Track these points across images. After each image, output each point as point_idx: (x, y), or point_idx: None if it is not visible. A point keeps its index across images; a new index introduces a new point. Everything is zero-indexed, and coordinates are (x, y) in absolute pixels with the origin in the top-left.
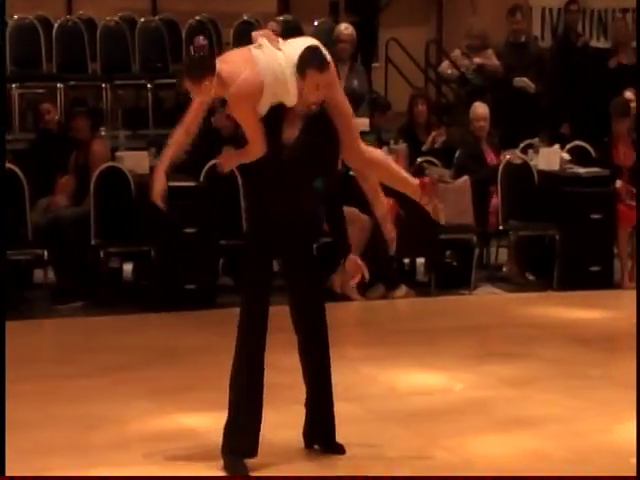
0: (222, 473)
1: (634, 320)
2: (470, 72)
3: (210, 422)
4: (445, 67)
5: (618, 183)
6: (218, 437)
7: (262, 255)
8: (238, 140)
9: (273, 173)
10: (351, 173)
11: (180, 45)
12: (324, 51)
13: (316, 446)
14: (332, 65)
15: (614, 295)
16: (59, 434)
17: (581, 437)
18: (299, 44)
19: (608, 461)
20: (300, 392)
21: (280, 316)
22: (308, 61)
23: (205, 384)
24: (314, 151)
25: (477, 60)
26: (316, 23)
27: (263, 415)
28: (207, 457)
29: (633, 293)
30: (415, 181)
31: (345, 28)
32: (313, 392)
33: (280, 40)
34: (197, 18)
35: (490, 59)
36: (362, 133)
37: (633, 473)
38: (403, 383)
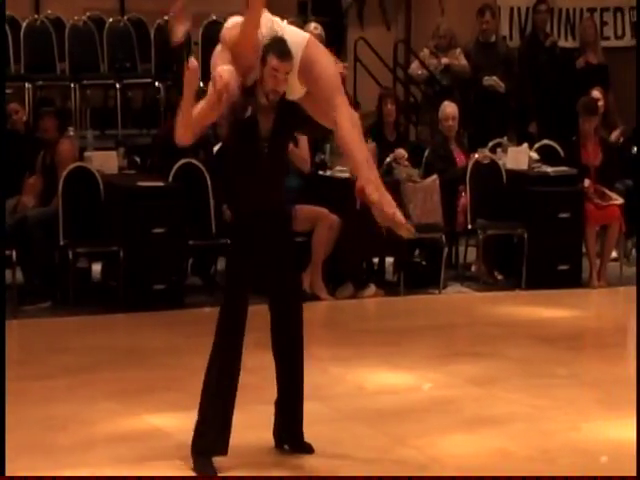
0: (191, 473)
1: (601, 319)
2: (439, 72)
3: (177, 422)
4: (415, 68)
5: (586, 182)
6: (185, 436)
7: (245, 252)
8: (204, 139)
9: (252, 166)
10: (320, 173)
11: (148, 45)
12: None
13: (286, 446)
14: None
15: (582, 294)
16: (24, 436)
17: (547, 436)
18: (292, 31)
19: (575, 460)
20: (266, 392)
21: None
22: (270, 47)
23: (172, 385)
24: (287, 142)
25: (445, 60)
26: (285, 22)
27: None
28: (175, 457)
29: (601, 292)
30: (364, 175)
31: (314, 28)
32: (285, 392)
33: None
34: (165, 18)
35: (458, 59)
36: (330, 134)
37: (602, 473)
38: (371, 382)
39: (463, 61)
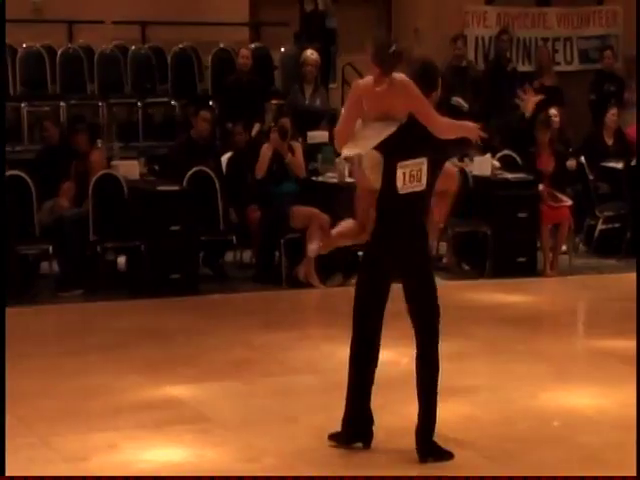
0: (203, 435)
1: (554, 303)
2: None
3: (192, 392)
4: None
5: (540, 186)
6: (200, 404)
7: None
8: (214, 150)
9: None
10: (313, 178)
11: (166, 69)
12: None
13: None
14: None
15: (537, 282)
16: (60, 403)
17: (508, 403)
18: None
19: (532, 424)
20: (269, 366)
21: (251, 301)
22: None
23: (188, 360)
24: None
25: None
26: (283, 50)
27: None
28: (189, 422)
29: (553, 280)
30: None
31: (311, 54)
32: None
33: None
34: (180, 46)
35: None
36: (322, 145)
37: (554, 434)
38: None
39: None
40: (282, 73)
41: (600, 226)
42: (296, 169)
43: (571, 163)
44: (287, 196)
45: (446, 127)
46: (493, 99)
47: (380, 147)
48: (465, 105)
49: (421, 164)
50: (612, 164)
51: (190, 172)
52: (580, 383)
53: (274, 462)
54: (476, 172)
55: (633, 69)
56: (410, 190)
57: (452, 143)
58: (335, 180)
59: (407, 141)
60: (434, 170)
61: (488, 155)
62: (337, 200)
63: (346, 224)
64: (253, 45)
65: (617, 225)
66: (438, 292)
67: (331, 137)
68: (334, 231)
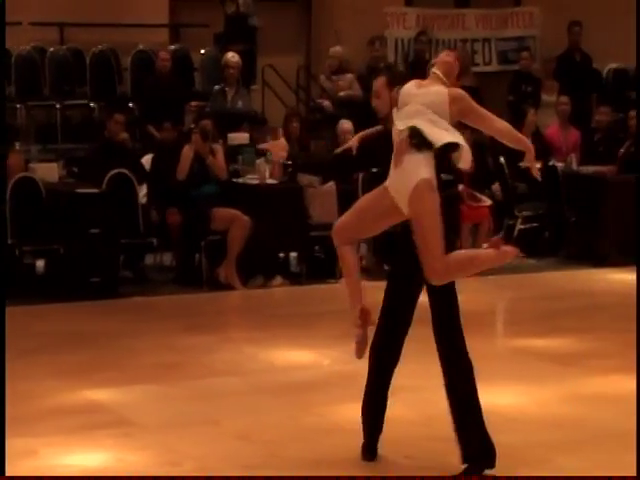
0: (124, 439)
1: (476, 302)
2: (337, 98)
3: (114, 396)
4: (317, 95)
5: (460, 187)
6: (121, 408)
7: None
8: (132, 152)
9: None
10: (234, 180)
11: (85, 71)
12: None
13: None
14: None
15: (459, 281)
16: None
17: (431, 404)
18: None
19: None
20: (192, 368)
21: (173, 303)
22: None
23: (110, 364)
24: None
25: (342, 94)
26: (203, 51)
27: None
28: (112, 426)
29: (474, 280)
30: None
31: (232, 56)
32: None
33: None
34: (99, 47)
35: (351, 85)
36: (243, 146)
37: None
38: (280, 360)
39: (357, 90)
40: (202, 75)
41: (519, 226)
42: (217, 171)
43: (496, 188)
44: (208, 198)
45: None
46: None
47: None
48: None
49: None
50: None
51: (109, 174)
52: (501, 382)
53: (196, 465)
54: None
55: (550, 70)
56: None
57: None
58: (256, 181)
59: None
60: None
61: None
62: (258, 201)
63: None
64: (173, 47)
65: (535, 225)
66: None
67: (252, 138)
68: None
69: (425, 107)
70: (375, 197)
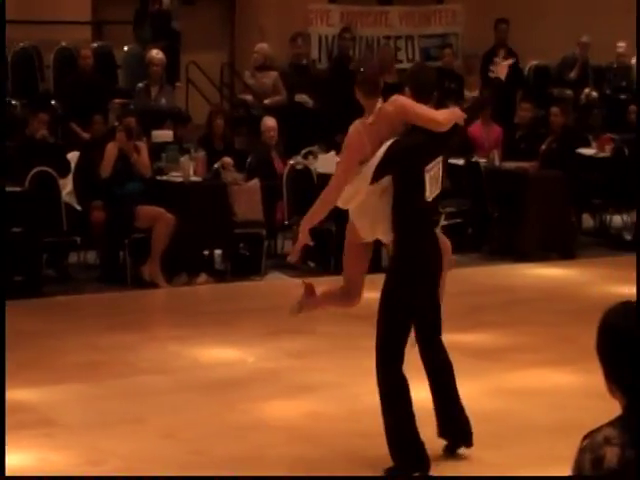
0: (47, 439)
1: None
2: (262, 106)
3: (38, 396)
4: (240, 91)
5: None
6: (45, 408)
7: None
8: (51, 147)
9: None
10: (158, 178)
11: (6, 68)
12: None
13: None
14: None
15: (382, 278)
16: None
17: (354, 399)
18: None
19: (377, 419)
20: (117, 367)
21: (97, 302)
22: None
23: (33, 363)
24: None
25: (267, 101)
26: (126, 48)
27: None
28: (35, 426)
29: None
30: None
31: (156, 53)
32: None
33: None
34: (21, 45)
35: (275, 83)
36: (166, 144)
37: None
38: (205, 357)
39: (279, 83)
40: (125, 72)
41: (442, 222)
42: (142, 169)
43: None
44: (132, 195)
45: (443, 119)
46: (336, 97)
47: (404, 159)
48: (310, 102)
49: (439, 163)
50: (454, 160)
51: (32, 172)
52: (417, 375)
53: (121, 464)
54: (320, 169)
55: (473, 66)
56: (434, 195)
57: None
58: (180, 179)
59: (427, 144)
60: (445, 169)
61: (332, 153)
62: (182, 199)
63: (332, 289)
64: (95, 44)
65: (459, 221)
66: (284, 289)
67: (175, 135)
68: (319, 291)
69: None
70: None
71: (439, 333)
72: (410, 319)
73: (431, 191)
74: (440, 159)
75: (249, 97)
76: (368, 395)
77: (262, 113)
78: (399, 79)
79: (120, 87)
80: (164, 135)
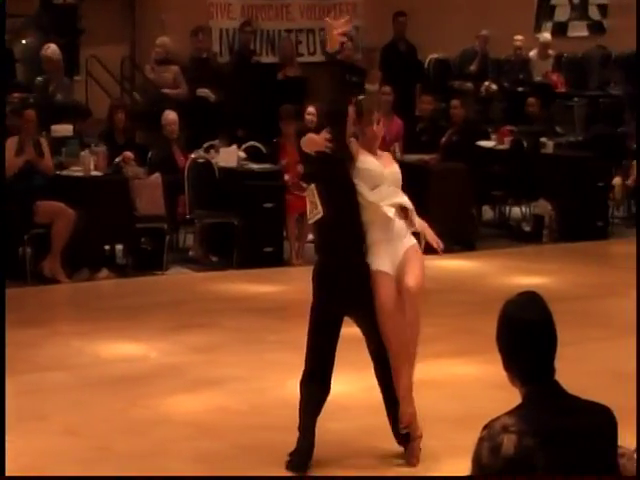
0: None
1: (302, 292)
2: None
3: None
4: (141, 85)
5: (286, 177)
6: None
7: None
8: None
9: None
10: (58, 172)
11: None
12: None
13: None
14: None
15: (285, 271)
16: None
17: (259, 393)
18: None
19: (283, 412)
20: (18, 364)
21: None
22: None
23: None
24: None
25: (167, 91)
26: (24, 42)
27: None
28: None
29: (300, 269)
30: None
31: (51, 50)
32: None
33: None
34: None
35: (176, 77)
36: (67, 138)
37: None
38: (108, 353)
39: (180, 77)
40: (24, 66)
41: None
42: (44, 166)
43: None
44: (32, 191)
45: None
46: (237, 90)
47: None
48: (212, 96)
49: (313, 189)
50: None
51: None
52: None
53: (25, 462)
54: (222, 163)
55: (373, 59)
56: (314, 219)
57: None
58: (81, 174)
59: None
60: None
61: (234, 146)
62: (83, 194)
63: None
64: None
65: None
66: (187, 283)
67: (75, 130)
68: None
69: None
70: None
71: None
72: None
73: (310, 214)
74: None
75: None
76: (273, 389)
77: (163, 107)
78: (301, 72)
79: (19, 81)
80: (64, 130)
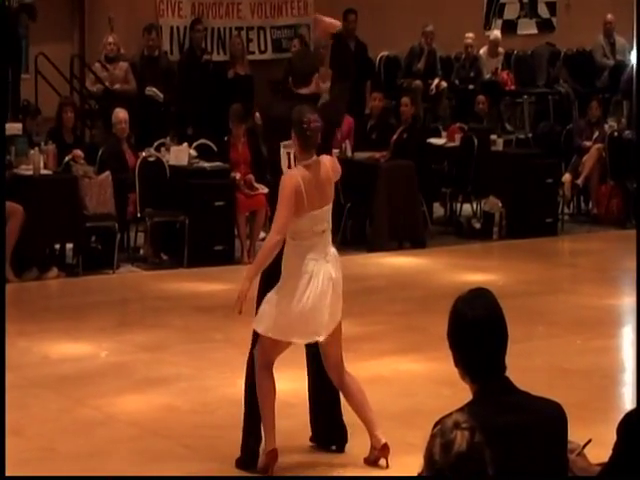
0: None
1: (251, 290)
2: (112, 91)
3: None
4: (90, 83)
5: (238, 175)
6: None
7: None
8: None
9: None
10: (15, 171)
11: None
12: None
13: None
14: None
15: (235, 270)
16: None
17: (207, 391)
18: None
19: (230, 410)
20: None
21: None
22: None
23: None
24: None
25: (117, 87)
26: None
27: None
28: None
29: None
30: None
31: None
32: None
33: None
34: None
35: (126, 74)
36: (15, 137)
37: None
38: (54, 352)
39: (130, 75)
40: None
41: None
42: None
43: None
44: None
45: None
46: (188, 88)
47: None
48: (160, 95)
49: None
50: None
51: None
52: (276, 367)
53: None
54: (173, 162)
55: (323, 57)
56: None
57: None
58: (30, 172)
59: None
60: None
61: (185, 145)
62: (32, 193)
63: None
64: None
65: None
66: (136, 282)
67: (25, 128)
68: None
69: None
70: None
71: None
72: None
73: None
74: None
75: (97, 86)
76: (220, 388)
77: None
78: (251, 70)
79: None
80: (13, 128)
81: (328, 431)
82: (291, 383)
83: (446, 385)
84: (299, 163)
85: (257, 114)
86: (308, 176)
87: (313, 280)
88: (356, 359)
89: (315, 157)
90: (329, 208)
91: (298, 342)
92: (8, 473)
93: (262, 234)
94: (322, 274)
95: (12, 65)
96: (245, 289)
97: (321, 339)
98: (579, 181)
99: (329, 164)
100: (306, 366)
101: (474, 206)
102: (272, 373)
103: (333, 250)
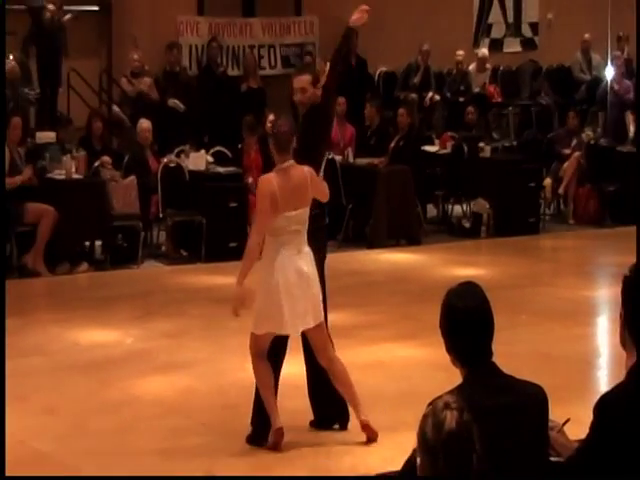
0: None
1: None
2: (136, 98)
3: None
4: (117, 94)
5: (250, 179)
6: None
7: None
8: None
9: None
10: (49, 175)
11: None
12: None
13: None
14: None
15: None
16: None
17: (222, 374)
18: None
19: (242, 392)
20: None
21: None
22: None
23: None
24: None
25: (142, 87)
26: (12, 57)
27: None
28: None
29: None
30: None
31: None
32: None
33: None
34: None
35: (150, 89)
36: (50, 144)
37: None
38: (84, 339)
39: (154, 93)
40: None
41: None
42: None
43: None
44: (19, 192)
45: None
46: (205, 100)
47: None
48: (181, 106)
49: None
50: None
51: None
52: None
53: (8, 436)
54: (191, 167)
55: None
56: None
57: None
58: (63, 177)
59: None
60: None
61: (202, 151)
62: (65, 195)
63: None
64: None
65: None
66: (159, 276)
67: (58, 137)
68: None
69: None
70: None
71: None
72: None
73: None
74: None
75: (115, 107)
76: (234, 371)
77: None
78: (262, 84)
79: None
80: (47, 136)
81: (328, 411)
82: (297, 367)
83: (439, 369)
84: (275, 167)
85: (268, 124)
86: (282, 179)
87: (283, 272)
88: (357, 345)
89: (291, 161)
90: (305, 211)
91: (272, 332)
92: (43, 447)
93: None
94: (293, 268)
95: (51, 80)
96: (238, 293)
97: (295, 333)
98: (561, 190)
99: (308, 175)
100: (302, 350)
101: (464, 207)
102: (266, 360)
103: (307, 249)
